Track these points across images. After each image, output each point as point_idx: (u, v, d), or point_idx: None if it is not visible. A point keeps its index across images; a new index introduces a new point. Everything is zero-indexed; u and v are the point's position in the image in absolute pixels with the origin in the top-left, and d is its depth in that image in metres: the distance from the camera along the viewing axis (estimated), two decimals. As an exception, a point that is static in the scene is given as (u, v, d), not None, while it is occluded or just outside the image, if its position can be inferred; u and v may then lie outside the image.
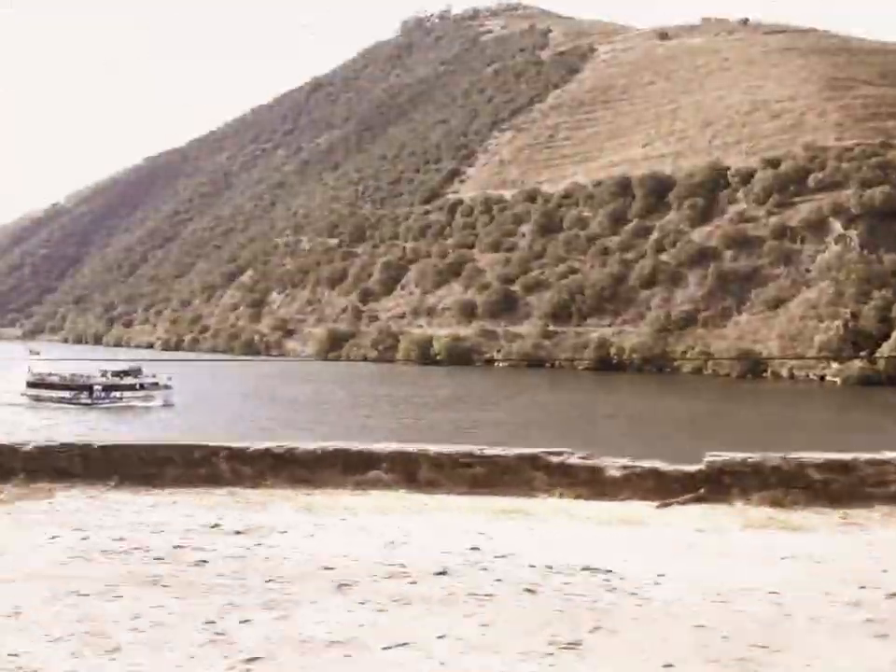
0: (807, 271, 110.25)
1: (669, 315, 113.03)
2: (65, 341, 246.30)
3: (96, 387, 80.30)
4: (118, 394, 79.17)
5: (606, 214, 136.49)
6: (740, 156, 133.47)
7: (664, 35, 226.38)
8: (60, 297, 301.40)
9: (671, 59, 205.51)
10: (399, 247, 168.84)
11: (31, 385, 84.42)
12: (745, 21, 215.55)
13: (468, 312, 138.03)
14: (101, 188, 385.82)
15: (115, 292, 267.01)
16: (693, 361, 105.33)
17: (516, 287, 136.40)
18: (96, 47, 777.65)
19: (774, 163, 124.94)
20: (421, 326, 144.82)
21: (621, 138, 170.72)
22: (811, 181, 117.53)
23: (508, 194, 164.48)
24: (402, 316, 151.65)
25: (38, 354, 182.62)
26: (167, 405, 77.26)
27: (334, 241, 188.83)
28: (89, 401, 79.53)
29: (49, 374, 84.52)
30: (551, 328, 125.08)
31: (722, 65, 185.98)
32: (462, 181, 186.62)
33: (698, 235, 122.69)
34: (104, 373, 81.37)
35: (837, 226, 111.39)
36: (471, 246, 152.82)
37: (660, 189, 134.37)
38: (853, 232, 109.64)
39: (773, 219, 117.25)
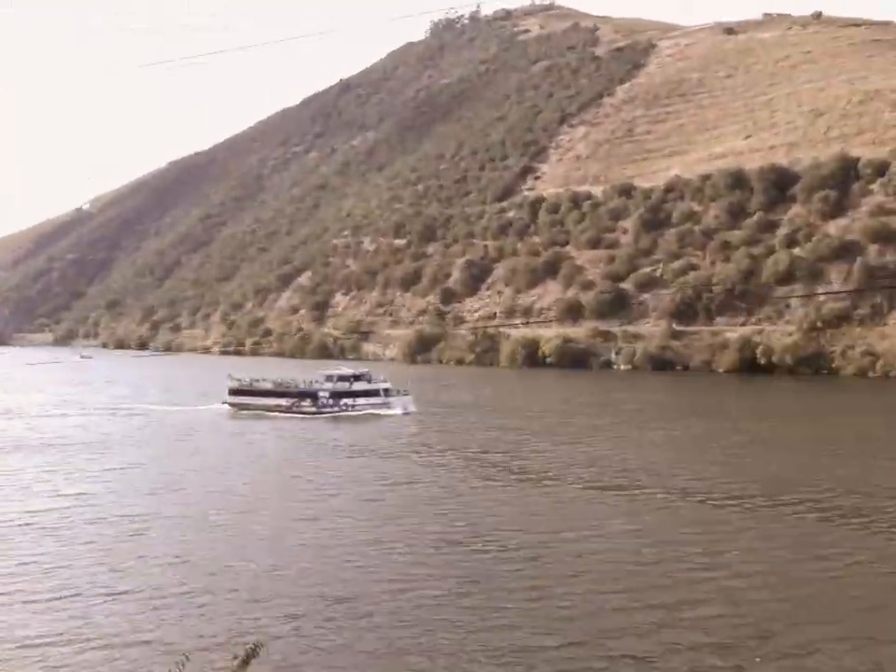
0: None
1: (820, 313, 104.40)
2: (104, 346, 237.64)
3: (322, 394, 71.90)
4: (348, 401, 70.62)
5: (721, 208, 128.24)
6: (865, 147, 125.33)
7: (729, 30, 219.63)
8: (91, 301, 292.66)
9: (744, 53, 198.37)
10: (477, 246, 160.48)
11: (234, 392, 76.40)
12: (818, 15, 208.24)
13: (572, 311, 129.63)
14: (127, 192, 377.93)
15: (152, 297, 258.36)
16: (855, 362, 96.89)
17: (626, 285, 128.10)
18: (121, 48, 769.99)
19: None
20: (518, 326, 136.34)
21: (712, 131, 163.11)
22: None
23: (596, 190, 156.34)
24: (493, 317, 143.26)
25: (91, 358, 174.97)
26: (406, 413, 68.94)
27: (401, 241, 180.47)
28: (313, 409, 71.17)
29: (257, 380, 76.87)
30: (677, 327, 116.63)
31: (807, 58, 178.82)
32: (537, 178, 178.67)
33: (834, 229, 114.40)
34: (329, 378, 72.98)
35: None
36: (564, 244, 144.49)
37: (780, 182, 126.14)
38: None
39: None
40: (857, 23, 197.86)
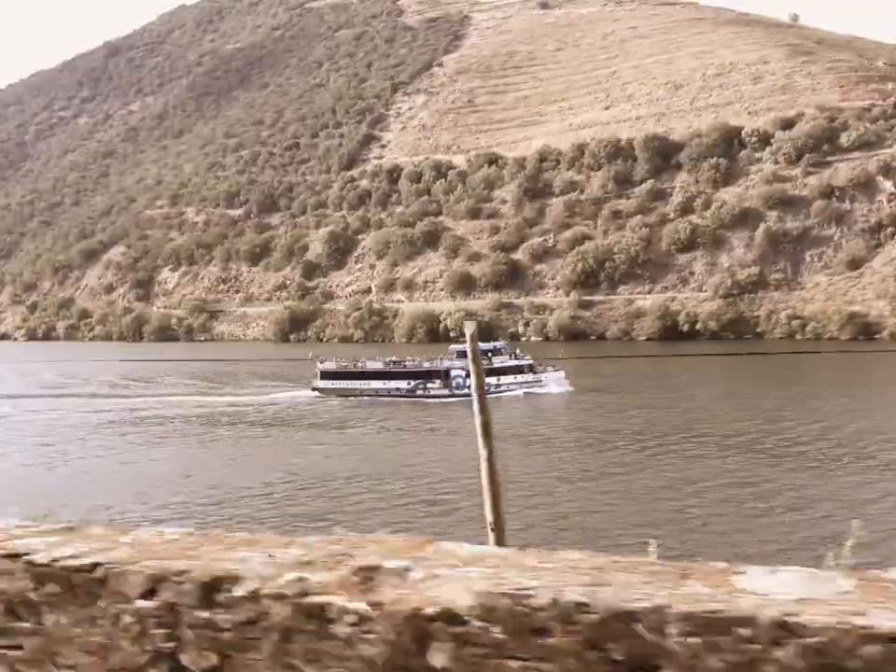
0: (863, 230, 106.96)
1: (735, 278, 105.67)
2: None
3: (455, 372, 60.21)
4: (490, 380, 59.35)
5: (606, 177, 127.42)
6: (738, 116, 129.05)
7: (544, 4, 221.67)
8: None
9: (568, 27, 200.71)
10: (333, 217, 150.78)
11: (326, 375, 64.02)
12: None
13: (463, 284, 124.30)
14: None
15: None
16: (782, 326, 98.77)
17: (518, 256, 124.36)
18: None
19: (788, 124, 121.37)
20: (401, 301, 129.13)
21: (560, 103, 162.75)
22: (844, 140, 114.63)
23: (458, 159, 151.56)
24: (368, 291, 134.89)
25: None
26: (560, 392, 59.14)
27: (237, 211, 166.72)
28: (444, 392, 59.66)
29: (357, 362, 64.04)
30: (583, 297, 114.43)
31: (636, 34, 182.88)
32: (383, 146, 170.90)
33: (729, 196, 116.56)
34: (460, 353, 61.22)
35: (888, 185, 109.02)
36: (437, 214, 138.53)
37: (663, 151, 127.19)
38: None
39: (811, 179, 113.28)
40: (670, 3, 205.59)
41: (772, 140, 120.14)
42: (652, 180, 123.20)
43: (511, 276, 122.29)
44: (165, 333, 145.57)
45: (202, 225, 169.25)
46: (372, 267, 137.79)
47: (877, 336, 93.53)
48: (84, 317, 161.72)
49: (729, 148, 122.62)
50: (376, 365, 65.94)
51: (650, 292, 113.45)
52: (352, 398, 62.39)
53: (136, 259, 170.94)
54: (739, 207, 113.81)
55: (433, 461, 39.42)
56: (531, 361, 63.99)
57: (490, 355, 61.58)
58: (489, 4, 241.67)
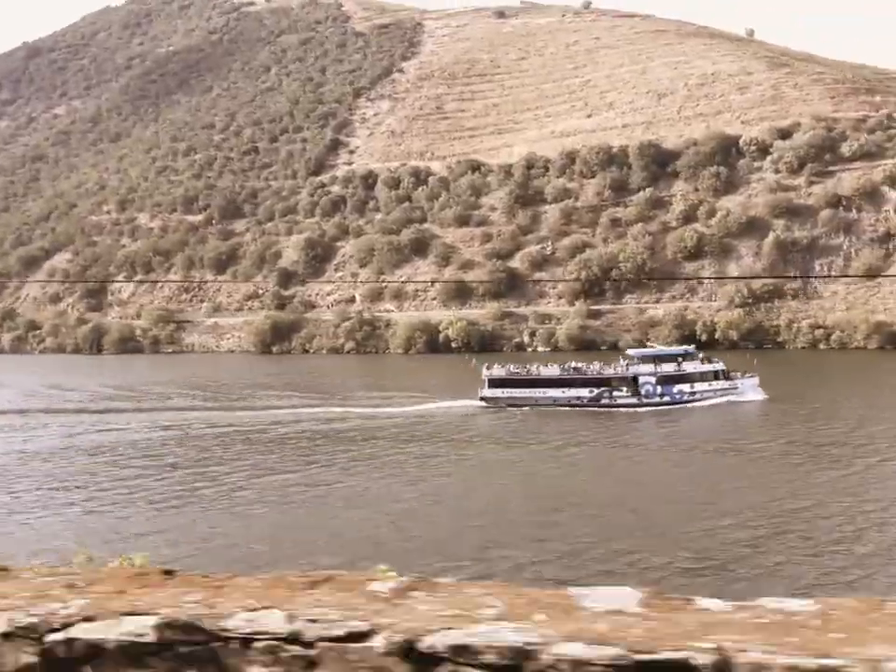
0: (872, 240, 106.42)
1: (751, 287, 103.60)
2: None
3: (644, 379, 54.28)
4: (683, 387, 53.72)
5: (600, 185, 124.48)
6: (730, 126, 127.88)
7: (501, 13, 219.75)
8: None
9: (529, 37, 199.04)
10: (305, 224, 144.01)
11: (495, 383, 58.78)
12: (587, 5, 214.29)
13: (459, 293, 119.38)
14: None
15: None
16: (804, 336, 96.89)
17: (516, 264, 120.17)
18: None
19: (785, 133, 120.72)
20: (391, 310, 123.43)
21: (535, 111, 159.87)
22: (846, 150, 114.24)
23: (436, 165, 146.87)
24: (352, 300, 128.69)
25: None
26: (758, 399, 54.61)
27: (197, 217, 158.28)
28: (633, 400, 53.86)
29: (530, 368, 58.00)
30: (591, 307, 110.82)
31: (601, 44, 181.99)
32: (352, 152, 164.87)
33: (733, 205, 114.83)
34: (644, 358, 55.92)
35: (894, 195, 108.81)
36: (422, 221, 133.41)
37: (659, 159, 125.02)
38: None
39: (815, 188, 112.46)
40: (627, 15, 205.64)
41: (771, 149, 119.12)
42: (651, 188, 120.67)
43: (510, 285, 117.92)
44: (127, 345, 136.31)
45: (158, 231, 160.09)
46: (355, 275, 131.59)
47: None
48: (32, 329, 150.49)
49: (727, 157, 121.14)
50: (552, 371, 60.96)
51: (657, 301, 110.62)
52: (525, 408, 57.21)
53: (85, 266, 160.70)
54: (745, 216, 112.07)
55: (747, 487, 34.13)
56: (724, 367, 59.45)
57: (681, 359, 56.93)
58: (441, 12, 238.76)
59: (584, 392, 58.45)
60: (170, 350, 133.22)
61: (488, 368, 62.13)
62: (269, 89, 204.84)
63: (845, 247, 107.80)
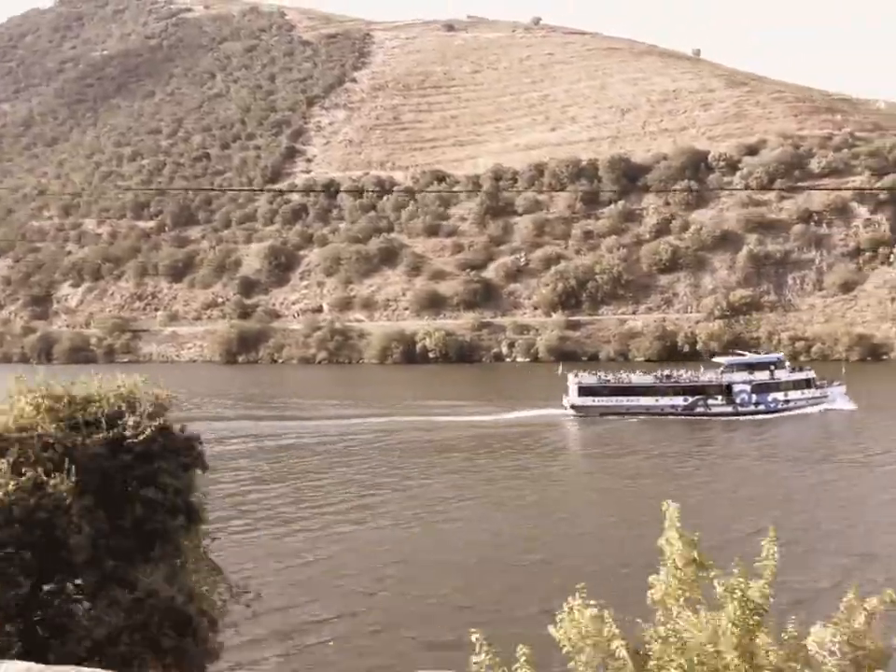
0: (843, 255, 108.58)
1: (728, 300, 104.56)
2: None
3: (738, 388, 52.47)
4: (778, 395, 52.05)
5: (571, 197, 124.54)
6: (697, 141, 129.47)
7: (450, 27, 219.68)
8: None
9: (480, 50, 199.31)
10: (265, 232, 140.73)
11: (585, 391, 56.93)
12: (538, 21, 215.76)
13: (432, 303, 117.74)
14: None
15: None
16: (784, 347, 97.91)
17: (490, 275, 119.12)
18: None
19: (752, 150, 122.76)
20: (361, 320, 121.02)
21: (496, 123, 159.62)
22: (815, 167, 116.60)
23: (399, 175, 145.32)
24: (319, 309, 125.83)
25: None
26: (849, 409, 53.71)
27: (148, 224, 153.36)
28: (728, 409, 52.03)
29: (621, 376, 57.88)
30: (570, 317, 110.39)
31: (554, 59, 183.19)
32: (309, 160, 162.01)
33: (704, 219, 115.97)
34: (737, 367, 55.63)
35: (863, 211, 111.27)
36: (389, 230, 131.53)
37: (629, 173, 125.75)
38: (880, 217, 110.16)
39: (786, 203, 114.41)
40: (577, 32, 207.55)
41: (740, 165, 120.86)
42: (622, 201, 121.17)
43: (485, 295, 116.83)
44: (79, 354, 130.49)
45: (106, 237, 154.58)
46: (321, 284, 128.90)
47: (885, 357, 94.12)
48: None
49: (696, 172, 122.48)
50: (645, 379, 59.46)
51: (634, 312, 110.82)
52: (615, 416, 55.78)
53: (28, 273, 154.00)
54: (719, 230, 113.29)
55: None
56: (814, 375, 58.64)
57: (773, 368, 56.08)
58: (389, 24, 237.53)
59: (679, 400, 57.46)
60: (126, 360, 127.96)
61: (576, 375, 60.58)
62: (217, 95, 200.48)
63: (817, 261, 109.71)
